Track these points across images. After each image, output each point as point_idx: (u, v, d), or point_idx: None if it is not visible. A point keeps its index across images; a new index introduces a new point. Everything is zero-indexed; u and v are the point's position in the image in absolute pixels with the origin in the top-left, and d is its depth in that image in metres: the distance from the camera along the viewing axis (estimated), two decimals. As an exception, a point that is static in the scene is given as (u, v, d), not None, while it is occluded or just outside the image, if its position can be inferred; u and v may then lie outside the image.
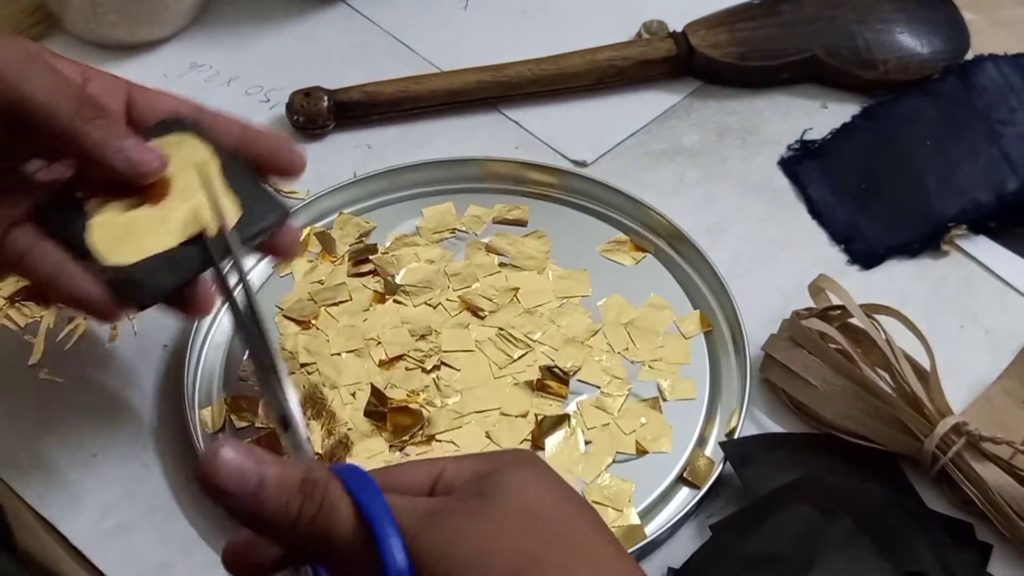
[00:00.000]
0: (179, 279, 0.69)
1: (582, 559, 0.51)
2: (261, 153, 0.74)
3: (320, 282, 0.86)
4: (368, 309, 0.85)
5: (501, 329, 0.84)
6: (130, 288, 0.68)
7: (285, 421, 0.58)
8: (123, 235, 0.69)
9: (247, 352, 0.63)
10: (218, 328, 0.84)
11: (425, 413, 0.79)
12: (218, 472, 0.51)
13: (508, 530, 0.51)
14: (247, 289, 0.65)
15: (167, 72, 1.02)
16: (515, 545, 0.50)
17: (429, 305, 0.85)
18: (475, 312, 0.85)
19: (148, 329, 0.85)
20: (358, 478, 0.52)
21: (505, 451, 0.55)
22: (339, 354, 0.82)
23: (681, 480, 0.78)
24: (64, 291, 0.68)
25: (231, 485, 0.51)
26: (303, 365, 0.81)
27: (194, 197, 0.70)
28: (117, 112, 0.72)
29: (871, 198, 0.93)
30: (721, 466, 0.77)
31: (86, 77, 0.72)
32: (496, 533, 0.50)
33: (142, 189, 0.70)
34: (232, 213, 0.70)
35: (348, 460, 0.77)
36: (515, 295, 0.86)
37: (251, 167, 0.73)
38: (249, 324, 0.63)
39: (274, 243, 0.73)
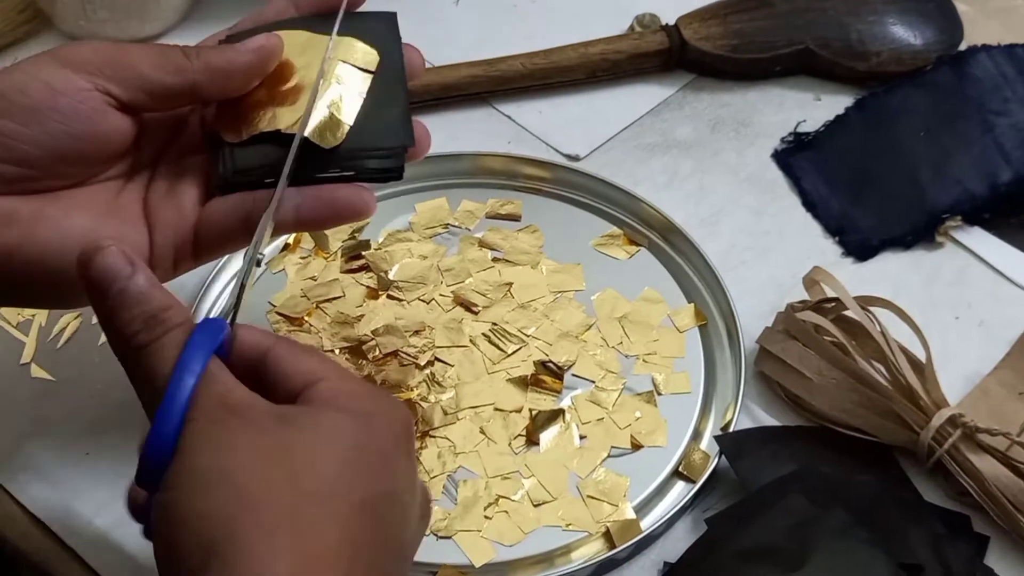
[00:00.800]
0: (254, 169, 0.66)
1: (291, 538, 0.50)
2: None
3: (313, 279, 0.86)
4: (361, 305, 0.85)
5: (495, 324, 0.83)
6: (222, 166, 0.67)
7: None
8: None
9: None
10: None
11: (419, 409, 0.79)
12: (94, 262, 0.54)
13: (261, 473, 0.50)
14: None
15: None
16: (251, 491, 0.50)
17: (422, 301, 0.85)
18: (468, 307, 0.84)
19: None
20: (204, 337, 0.53)
21: (377, 396, 0.54)
22: (332, 351, 0.82)
23: (676, 474, 0.78)
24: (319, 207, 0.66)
25: (99, 278, 0.54)
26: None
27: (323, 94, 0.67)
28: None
29: (865, 190, 0.93)
30: (716, 460, 0.77)
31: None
32: (243, 463, 0.50)
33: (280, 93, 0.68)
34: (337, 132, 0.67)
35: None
36: (509, 290, 0.85)
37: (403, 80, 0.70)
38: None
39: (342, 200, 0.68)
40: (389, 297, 0.85)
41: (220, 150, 0.67)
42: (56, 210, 0.64)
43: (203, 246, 0.67)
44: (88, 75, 0.64)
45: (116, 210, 0.67)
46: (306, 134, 0.65)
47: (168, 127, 0.70)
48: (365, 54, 0.70)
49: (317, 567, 0.49)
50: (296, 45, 0.69)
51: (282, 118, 0.66)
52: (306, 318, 0.83)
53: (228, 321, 0.56)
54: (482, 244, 0.89)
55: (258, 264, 0.60)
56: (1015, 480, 0.74)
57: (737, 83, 1.02)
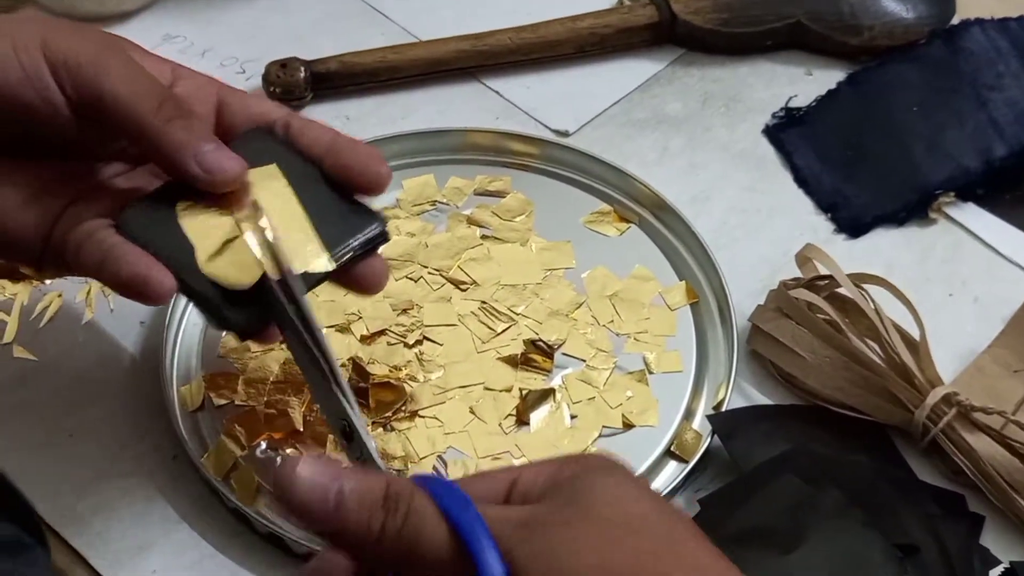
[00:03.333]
0: (251, 318, 0.63)
1: (686, 567, 0.48)
2: (349, 165, 0.67)
3: (299, 256, 0.85)
4: (348, 283, 0.83)
5: (484, 303, 0.82)
6: (206, 306, 0.64)
7: (347, 432, 0.56)
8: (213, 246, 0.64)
9: (298, 361, 0.60)
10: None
11: (408, 388, 0.78)
12: (295, 491, 0.49)
13: (611, 540, 0.48)
14: (302, 306, 0.60)
15: (139, 44, 1.00)
16: (619, 557, 0.48)
17: (410, 279, 0.84)
18: (457, 285, 0.83)
19: (125, 307, 0.83)
20: (444, 489, 0.50)
21: (581, 455, 0.53)
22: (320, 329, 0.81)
23: (668, 454, 0.77)
24: (116, 273, 0.63)
25: (310, 503, 0.49)
26: (283, 341, 0.80)
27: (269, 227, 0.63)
28: (204, 114, 0.68)
29: (857, 166, 0.92)
30: (709, 439, 0.76)
31: (176, 76, 0.69)
32: (599, 544, 0.48)
33: (222, 199, 0.65)
34: (307, 247, 0.64)
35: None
36: (498, 268, 0.84)
37: (340, 181, 0.67)
38: (304, 333, 0.60)
39: (357, 275, 0.67)
40: (376, 275, 0.84)
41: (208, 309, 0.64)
42: None
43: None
44: (58, 73, 0.63)
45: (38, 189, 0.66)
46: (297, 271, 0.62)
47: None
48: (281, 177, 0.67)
49: None
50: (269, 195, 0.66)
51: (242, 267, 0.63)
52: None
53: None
54: (471, 221, 0.88)
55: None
56: (1010, 459, 0.73)
57: (728, 58, 1.01)
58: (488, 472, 0.55)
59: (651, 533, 0.49)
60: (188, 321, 0.82)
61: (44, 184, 0.66)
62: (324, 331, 0.60)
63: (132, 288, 0.63)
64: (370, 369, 0.78)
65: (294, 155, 0.67)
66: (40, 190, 0.66)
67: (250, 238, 0.62)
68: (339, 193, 0.67)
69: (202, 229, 0.65)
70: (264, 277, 0.61)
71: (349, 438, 0.57)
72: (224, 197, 0.65)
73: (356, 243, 0.65)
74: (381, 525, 0.49)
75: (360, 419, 0.57)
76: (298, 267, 0.62)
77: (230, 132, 0.68)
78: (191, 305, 0.81)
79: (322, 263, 0.64)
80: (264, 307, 0.62)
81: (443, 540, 0.48)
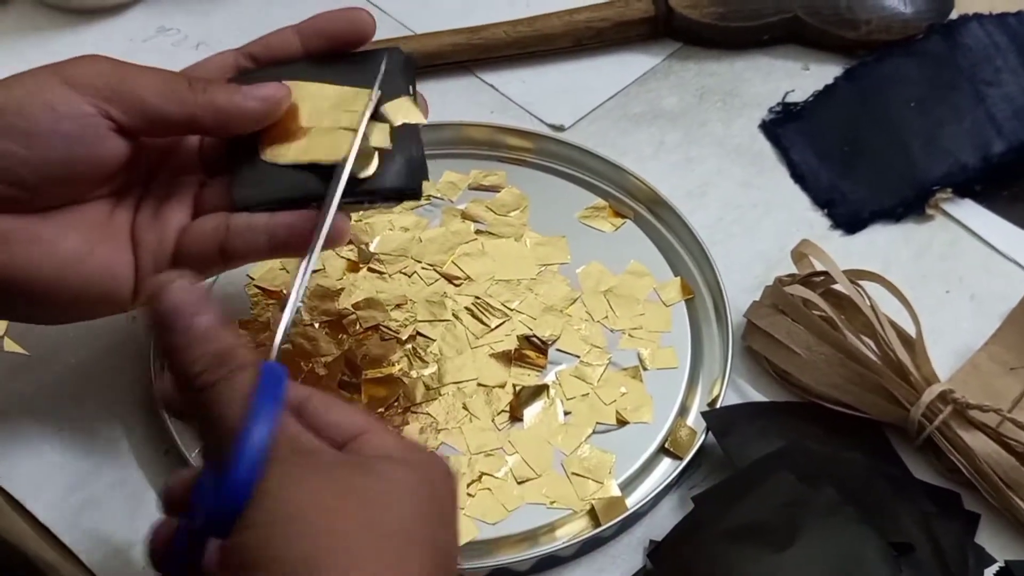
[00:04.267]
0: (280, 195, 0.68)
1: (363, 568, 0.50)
2: (340, 29, 0.73)
3: (292, 251, 0.84)
4: (341, 279, 0.83)
5: (478, 298, 0.82)
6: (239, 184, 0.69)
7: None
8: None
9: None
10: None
11: (400, 384, 0.77)
12: (163, 295, 0.54)
13: (344, 518, 0.50)
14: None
15: (133, 36, 1.00)
16: (325, 524, 0.50)
17: (404, 274, 0.83)
18: (451, 281, 0.83)
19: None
20: (273, 381, 0.53)
21: (422, 450, 0.55)
22: (312, 324, 0.80)
23: (663, 451, 0.77)
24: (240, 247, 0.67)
25: (167, 312, 0.54)
26: (275, 335, 0.80)
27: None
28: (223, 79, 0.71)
29: (854, 161, 0.92)
30: (703, 436, 0.76)
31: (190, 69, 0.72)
32: (334, 510, 0.50)
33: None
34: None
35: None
36: (492, 263, 0.84)
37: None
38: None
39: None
40: (370, 270, 0.84)
41: (241, 168, 0.69)
42: (49, 231, 0.65)
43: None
44: (91, 97, 0.64)
45: (107, 232, 0.68)
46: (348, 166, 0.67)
47: (162, 149, 0.71)
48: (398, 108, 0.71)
49: None
50: (310, 96, 0.70)
51: (313, 151, 0.68)
52: (285, 291, 0.82)
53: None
54: (465, 216, 0.87)
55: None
56: (1006, 457, 0.73)
57: (724, 52, 1.00)
58: (354, 409, 0.57)
59: (384, 533, 0.51)
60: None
61: (104, 223, 0.68)
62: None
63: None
64: (363, 365, 0.78)
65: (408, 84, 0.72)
66: (104, 227, 0.68)
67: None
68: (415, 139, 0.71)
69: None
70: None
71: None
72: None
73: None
74: (201, 371, 0.53)
75: (293, 304, 0.60)
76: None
77: None
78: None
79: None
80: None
81: (233, 417, 0.52)
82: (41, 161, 0.63)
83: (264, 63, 0.72)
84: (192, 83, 0.66)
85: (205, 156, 0.71)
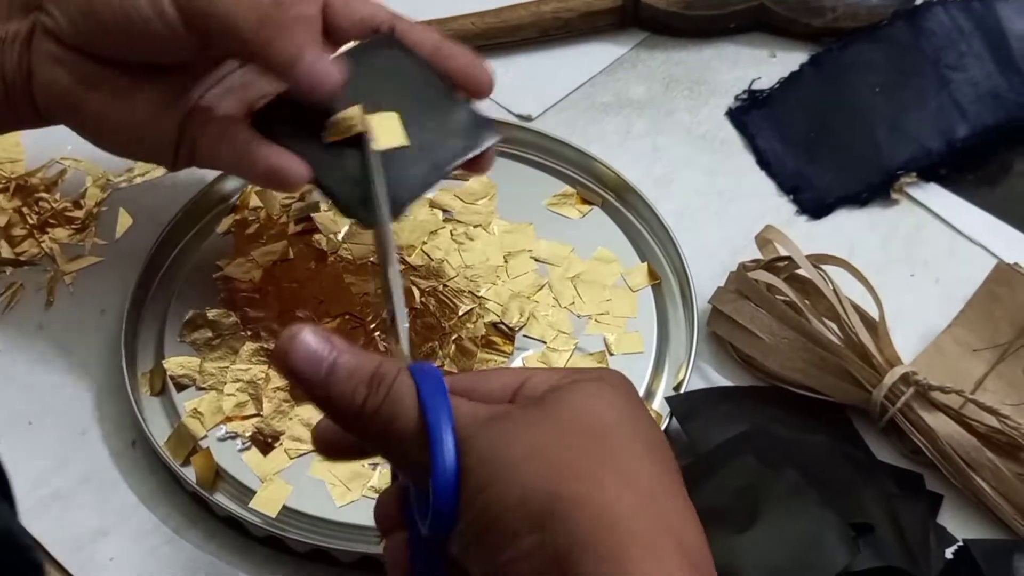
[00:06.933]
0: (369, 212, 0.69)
1: (615, 469, 0.50)
2: (452, 69, 0.73)
3: (261, 241, 0.84)
4: (311, 268, 0.83)
5: (445, 285, 0.82)
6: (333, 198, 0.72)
7: (393, 317, 0.61)
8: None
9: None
10: (156, 292, 0.82)
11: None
12: (292, 354, 0.53)
13: (549, 433, 0.51)
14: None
15: None
16: (550, 450, 0.50)
17: (372, 263, 0.84)
18: (419, 269, 0.83)
19: (85, 294, 0.83)
20: (429, 377, 0.53)
21: (592, 368, 0.55)
22: (280, 314, 0.80)
23: (628, 435, 0.77)
24: (253, 165, 0.71)
25: (304, 368, 0.53)
26: (246, 325, 0.80)
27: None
28: (311, 16, 0.72)
29: (820, 147, 0.92)
30: (668, 421, 0.76)
31: None
32: (541, 442, 0.51)
33: None
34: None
35: (287, 424, 0.75)
36: (459, 250, 0.84)
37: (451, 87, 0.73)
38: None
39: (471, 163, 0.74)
40: (339, 259, 0.84)
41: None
42: (128, 90, 0.71)
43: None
44: None
45: (165, 105, 0.72)
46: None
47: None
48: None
49: (659, 496, 0.51)
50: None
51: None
52: (253, 280, 0.82)
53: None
54: (433, 204, 0.87)
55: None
56: (968, 438, 0.73)
57: (691, 41, 1.01)
58: (500, 370, 0.59)
59: (597, 436, 0.52)
60: (148, 308, 0.82)
61: (173, 92, 0.72)
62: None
63: (271, 179, 0.71)
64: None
65: (412, 63, 0.73)
66: (170, 99, 0.71)
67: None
68: (451, 97, 0.73)
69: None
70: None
71: (393, 321, 0.61)
72: None
73: (467, 156, 0.73)
74: (363, 400, 0.52)
75: (402, 310, 0.62)
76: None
77: (337, 33, 0.74)
78: (151, 294, 0.81)
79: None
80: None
81: (413, 424, 0.52)
82: (116, 23, 0.68)
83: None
84: (267, 18, 0.68)
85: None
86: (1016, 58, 0.93)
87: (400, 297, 0.62)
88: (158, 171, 0.89)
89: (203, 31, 0.68)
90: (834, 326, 0.77)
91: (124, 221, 0.87)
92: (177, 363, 0.78)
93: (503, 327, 0.80)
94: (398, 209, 0.70)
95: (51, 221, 0.87)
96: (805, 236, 0.82)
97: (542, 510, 0.49)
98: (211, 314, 0.80)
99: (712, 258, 0.85)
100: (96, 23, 0.68)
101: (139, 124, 0.72)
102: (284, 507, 0.73)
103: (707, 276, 0.83)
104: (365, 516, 0.71)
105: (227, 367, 0.78)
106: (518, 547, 0.49)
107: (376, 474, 0.74)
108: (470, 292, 0.82)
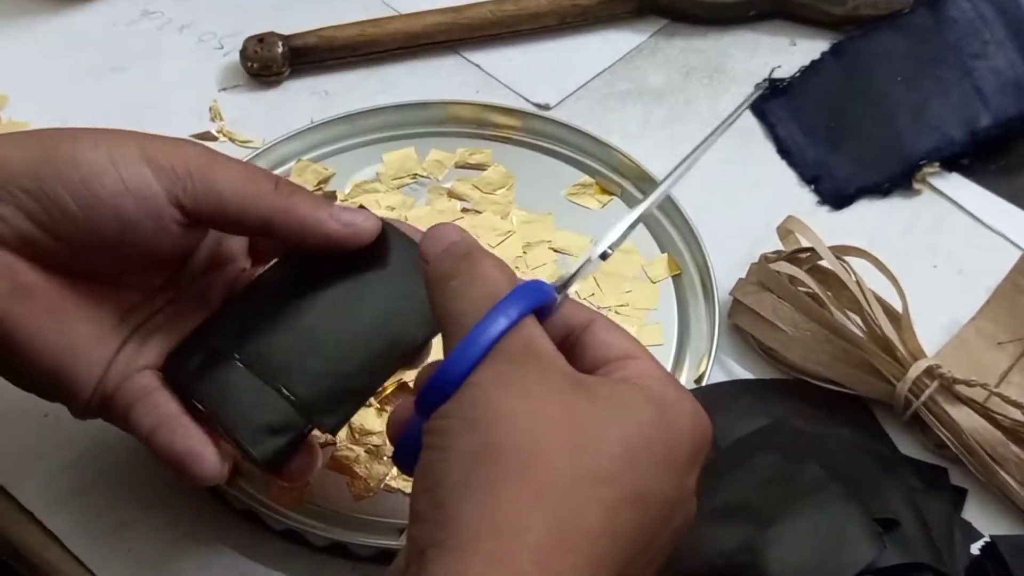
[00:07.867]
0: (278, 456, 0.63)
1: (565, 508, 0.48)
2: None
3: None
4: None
5: (463, 277, 0.82)
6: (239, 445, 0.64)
7: None
8: None
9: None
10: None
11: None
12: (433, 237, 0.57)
13: (533, 415, 0.50)
14: None
15: (116, 20, 1.00)
16: (522, 429, 0.49)
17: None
18: (436, 260, 0.83)
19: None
20: (529, 291, 0.53)
21: (681, 389, 0.53)
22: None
23: (649, 428, 0.76)
24: (165, 447, 0.63)
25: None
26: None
27: None
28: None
29: (841, 136, 0.92)
30: (689, 414, 0.75)
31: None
32: (526, 410, 0.50)
33: None
34: None
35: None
36: (479, 241, 0.83)
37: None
38: None
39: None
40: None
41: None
42: (67, 309, 0.62)
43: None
44: (168, 184, 0.61)
45: (111, 331, 0.64)
46: None
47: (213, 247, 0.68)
48: None
49: (570, 547, 0.47)
50: None
51: None
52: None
53: (556, 289, 0.56)
54: (451, 194, 0.87)
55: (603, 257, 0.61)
56: (993, 432, 0.72)
57: (710, 28, 1.00)
58: (626, 335, 0.56)
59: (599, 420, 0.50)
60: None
61: (122, 316, 0.64)
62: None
63: (175, 468, 0.63)
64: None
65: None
66: (116, 324, 0.64)
67: None
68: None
69: None
70: None
71: None
72: None
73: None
74: (447, 265, 0.56)
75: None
76: None
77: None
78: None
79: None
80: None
81: (471, 315, 0.52)
82: (92, 231, 0.60)
83: None
84: (279, 184, 0.63)
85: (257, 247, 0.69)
86: (1039, 47, 0.93)
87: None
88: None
89: (211, 216, 0.62)
90: (857, 318, 0.77)
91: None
92: (194, 355, 0.78)
93: (522, 319, 0.79)
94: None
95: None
96: (826, 226, 0.81)
97: (464, 484, 0.48)
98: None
99: (733, 248, 0.84)
100: (75, 229, 0.60)
101: (67, 349, 0.62)
102: (302, 500, 0.72)
103: (728, 267, 0.82)
104: (383, 510, 0.71)
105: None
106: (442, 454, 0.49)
107: (394, 470, 0.73)
108: (488, 283, 0.81)
